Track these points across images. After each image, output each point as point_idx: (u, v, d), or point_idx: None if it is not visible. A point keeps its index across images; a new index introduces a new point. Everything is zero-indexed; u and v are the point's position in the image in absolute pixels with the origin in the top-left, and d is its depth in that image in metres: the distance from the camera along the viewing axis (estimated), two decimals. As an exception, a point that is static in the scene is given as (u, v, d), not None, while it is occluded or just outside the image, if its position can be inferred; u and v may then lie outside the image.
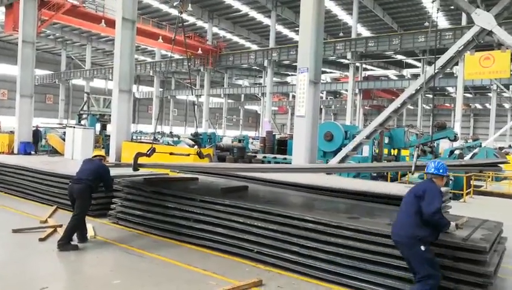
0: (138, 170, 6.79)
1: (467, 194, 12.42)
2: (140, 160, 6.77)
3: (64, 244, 5.63)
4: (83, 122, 24.60)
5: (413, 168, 4.82)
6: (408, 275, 4.23)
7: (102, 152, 6.57)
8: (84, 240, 5.96)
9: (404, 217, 4.00)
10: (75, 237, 5.93)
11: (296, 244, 5.02)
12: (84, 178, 5.93)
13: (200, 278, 4.81)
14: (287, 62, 38.15)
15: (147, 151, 7.00)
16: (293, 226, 5.09)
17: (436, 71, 9.71)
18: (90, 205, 6.19)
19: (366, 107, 49.13)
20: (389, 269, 4.34)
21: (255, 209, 5.47)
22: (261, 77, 46.09)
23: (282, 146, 19.83)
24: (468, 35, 9.47)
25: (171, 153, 7.96)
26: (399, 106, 10.42)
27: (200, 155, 8.05)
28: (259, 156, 19.12)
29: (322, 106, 56.38)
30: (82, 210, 5.92)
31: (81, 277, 5.00)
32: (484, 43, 12.06)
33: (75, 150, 16.10)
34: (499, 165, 4.47)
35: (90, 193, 6.04)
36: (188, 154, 8.44)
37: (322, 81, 45.79)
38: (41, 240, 5.96)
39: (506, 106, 45.46)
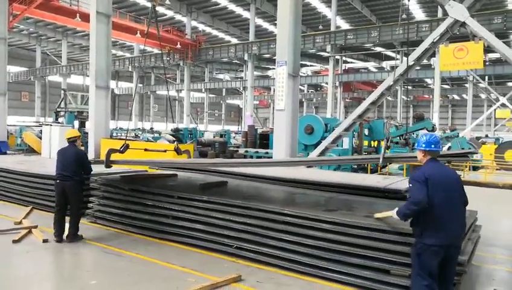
0: (111, 166, 6.65)
1: (445, 183, 12.67)
2: (114, 157, 6.64)
3: (73, 238, 5.90)
4: (60, 119, 24.06)
5: (381, 160, 4.78)
6: (385, 266, 4.27)
7: (75, 131, 6.40)
8: (61, 238, 5.86)
9: (461, 216, 3.50)
10: (51, 236, 5.89)
11: (275, 238, 5.01)
12: (70, 174, 5.88)
13: (179, 276, 4.77)
14: (267, 56, 38.10)
15: (120, 148, 6.86)
16: (272, 221, 5.08)
17: (411, 63, 9.83)
18: (83, 197, 6.36)
19: (347, 100, 49.55)
20: (366, 261, 4.37)
21: (234, 205, 5.45)
22: (242, 70, 45.93)
23: (265, 140, 19.83)
24: (442, 26, 9.61)
25: (145, 150, 7.79)
26: (377, 97, 10.53)
27: (178, 151, 7.92)
28: (241, 150, 19.09)
29: (303, 99, 56.66)
30: (79, 205, 6.08)
31: (56, 278, 4.90)
32: (460, 34, 12.27)
33: (52, 149, 15.75)
34: (468, 154, 4.53)
35: (82, 186, 6.19)
36: (165, 151, 8.29)
37: (302, 74, 45.98)
38: (15, 241, 5.80)
39: (483, 96, 46.50)
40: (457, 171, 15.52)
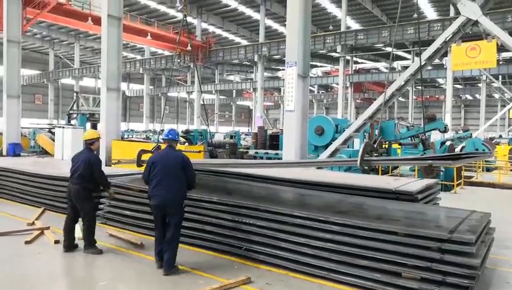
0: (142, 166, 6.78)
1: (458, 185, 12.49)
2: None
3: (88, 248, 5.67)
4: (72, 122, 24.35)
5: (358, 162, 4.78)
6: (395, 268, 4.22)
7: (93, 133, 6.05)
8: (68, 248, 5.68)
9: (171, 186, 4.98)
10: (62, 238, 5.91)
11: (285, 240, 4.98)
12: (77, 180, 5.63)
13: (188, 277, 4.77)
14: (277, 57, 38.06)
15: (152, 149, 7.19)
16: (281, 222, 5.06)
17: (423, 62, 9.70)
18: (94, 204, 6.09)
19: (357, 101, 49.25)
20: (376, 263, 4.32)
21: (243, 206, 5.44)
22: (252, 72, 46.00)
23: (274, 141, 19.78)
24: (454, 25, 9.47)
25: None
26: (388, 98, 10.44)
27: (212, 153, 8.09)
28: (251, 151, 19.08)
29: (313, 100, 56.49)
30: (87, 212, 5.73)
31: (66, 279, 4.94)
32: (473, 33, 12.10)
33: (65, 151, 15.95)
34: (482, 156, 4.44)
35: (91, 193, 5.83)
36: (199, 151, 8.50)
37: (313, 75, 45.81)
38: (27, 242, 5.87)
39: (496, 96, 45.77)
40: (470, 172, 15.18)
